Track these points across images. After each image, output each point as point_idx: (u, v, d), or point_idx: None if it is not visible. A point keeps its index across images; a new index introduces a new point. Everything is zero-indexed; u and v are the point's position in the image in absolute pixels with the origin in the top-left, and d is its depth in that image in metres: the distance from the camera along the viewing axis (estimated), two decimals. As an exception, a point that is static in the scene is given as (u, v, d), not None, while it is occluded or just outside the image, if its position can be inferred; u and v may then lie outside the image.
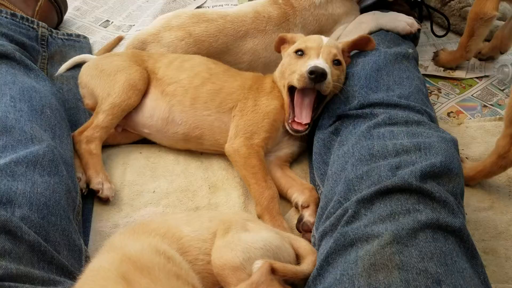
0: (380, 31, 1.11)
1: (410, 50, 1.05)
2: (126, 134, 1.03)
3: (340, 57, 0.95)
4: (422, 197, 0.69)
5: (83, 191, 0.91)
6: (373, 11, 1.14)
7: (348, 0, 1.13)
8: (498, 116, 1.11)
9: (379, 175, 0.72)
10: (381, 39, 1.08)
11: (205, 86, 0.98)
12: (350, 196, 0.73)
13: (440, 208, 0.69)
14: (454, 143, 0.80)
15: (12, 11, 1.14)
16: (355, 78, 0.97)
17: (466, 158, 1.00)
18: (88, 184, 0.91)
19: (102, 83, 0.99)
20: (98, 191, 0.90)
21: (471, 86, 1.22)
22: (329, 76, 0.89)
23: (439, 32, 1.31)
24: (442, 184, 0.71)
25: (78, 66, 1.14)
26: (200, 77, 0.99)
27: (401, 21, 1.11)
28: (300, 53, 0.94)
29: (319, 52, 0.92)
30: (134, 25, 1.40)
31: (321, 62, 0.89)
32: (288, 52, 0.98)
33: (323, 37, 0.97)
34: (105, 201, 0.91)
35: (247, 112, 0.96)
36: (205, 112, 0.97)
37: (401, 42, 1.10)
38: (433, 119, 0.91)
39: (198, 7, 1.50)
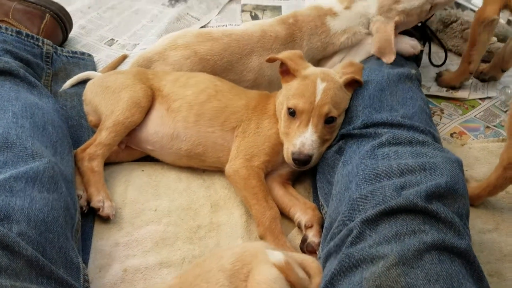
0: None
1: (413, 71, 1.06)
2: (129, 151, 1.03)
3: (335, 112, 0.91)
4: (427, 218, 0.68)
5: (84, 209, 0.90)
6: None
7: (365, 30, 1.13)
8: (501, 137, 1.11)
9: (384, 195, 0.72)
10: (385, 60, 1.08)
11: (210, 102, 0.98)
12: (355, 216, 0.73)
13: (446, 229, 0.68)
14: (459, 163, 0.79)
15: (17, 29, 1.15)
16: (358, 98, 0.97)
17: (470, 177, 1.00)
18: (89, 202, 0.91)
19: (106, 100, 0.99)
20: (98, 209, 0.89)
21: (474, 107, 1.22)
22: (314, 157, 0.90)
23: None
24: (447, 204, 0.70)
25: (82, 83, 1.14)
26: (206, 93, 0.99)
27: (404, 43, 1.12)
28: (291, 112, 0.91)
29: (309, 116, 0.90)
30: (138, 44, 1.42)
31: (308, 138, 0.89)
32: (281, 100, 0.96)
33: (319, 86, 0.92)
34: (106, 219, 0.90)
35: (249, 134, 0.96)
36: (209, 129, 0.97)
37: (404, 63, 1.10)
38: (437, 139, 0.91)
39: (202, 27, 1.53)
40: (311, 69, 0.97)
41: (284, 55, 0.98)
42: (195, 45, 1.08)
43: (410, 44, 1.12)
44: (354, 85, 0.99)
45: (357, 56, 1.13)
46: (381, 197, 0.72)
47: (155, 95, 1.01)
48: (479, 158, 1.06)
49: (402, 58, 1.11)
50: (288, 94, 0.94)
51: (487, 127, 1.16)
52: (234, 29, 1.13)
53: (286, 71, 0.98)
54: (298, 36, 1.12)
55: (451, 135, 1.14)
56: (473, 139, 1.13)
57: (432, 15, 1.24)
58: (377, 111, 0.93)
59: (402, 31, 1.17)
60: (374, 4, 1.10)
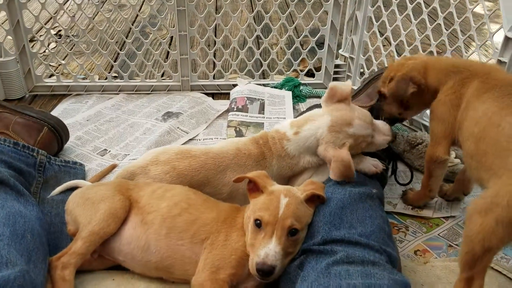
0: None
1: (374, 190, 1.13)
2: (102, 260, 1.07)
3: (297, 225, 0.98)
4: None
5: (51, 317, 0.92)
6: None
7: (318, 157, 1.20)
8: (463, 257, 1.15)
9: (331, 315, 0.75)
10: (349, 179, 1.17)
11: (182, 216, 1.05)
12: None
13: None
14: (405, 286, 0.83)
15: (15, 141, 1.27)
16: (320, 214, 1.04)
17: (431, 298, 1.02)
18: (56, 310, 0.93)
19: (85, 211, 1.06)
20: (63, 318, 0.91)
21: (438, 225, 1.28)
22: (277, 269, 0.95)
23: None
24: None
25: (70, 190, 1.22)
26: (179, 206, 1.06)
27: (367, 163, 1.21)
28: (258, 222, 0.98)
29: (273, 228, 0.96)
30: (129, 154, 1.53)
31: (272, 249, 0.94)
32: (249, 214, 1.02)
33: (282, 201, 0.99)
34: (71, 329, 0.92)
35: (217, 247, 1.01)
36: (179, 242, 1.02)
37: (368, 182, 1.18)
38: (393, 259, 0.95)
39: (190, 140, 1.65)
40: (276, 186, 1.06)
41: (252, 174, 1.07)
42: (175, 161, 1.18)
43: (372, 164, 1.21)
44: (316, 201, 1.07)
45: (324, 175, 1.21)
46: (329, 316, 0.75)
47: (132, 205, 1.08)
48: (441, 277, 1.09)
49: (366, 177, 1.19)
50: (255, 208, 1.02)
51: (450, 245, 1.20)
52: (211, 148, 1.24)
53: (253, 188, 1.06)
54: (268, 155, 1.21)
55: (415, 252, 1.18)
56: (436, 258, 1.16)
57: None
58: (336, 228, 0.99)
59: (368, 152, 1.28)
60: (326, 123, 1.18)
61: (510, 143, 0.90)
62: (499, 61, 1.39)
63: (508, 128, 0.92)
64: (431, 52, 1.62)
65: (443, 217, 1.30)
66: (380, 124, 1.26)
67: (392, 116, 1.32)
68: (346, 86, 1.24)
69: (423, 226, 1.27)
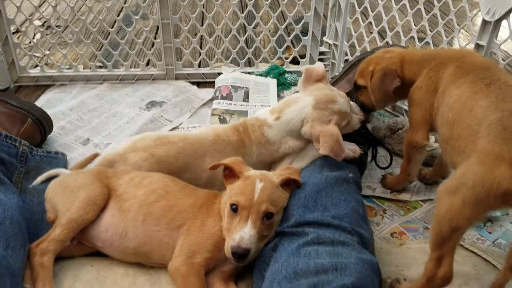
0: (328, 156, 1.22)
1: (351, 175, 1.15)
2: (81, 246, 1.08)
3: (272, 208, 1.00)
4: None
5: (29, 302, 0.94)
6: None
7: (300, 141, 1.21)
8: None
9: (298, 294, 0.77)
10: (327, 163, 1.18)
11: (159, 202, 1.06)
12: (272, 313, 0.77)
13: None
14: (371, 264, 0.85)
15: (-3, 131, 1.28)
16: (295, 198, 1.06)
17: (404, 279, 1.04)
18: (34, 295, 0.95)
19: (64, 199, 1.07)
20: (41, 303, 0.93)
21: (415, 208, 1.30)
22: (252, 251, 0.96)
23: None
24: (353, 304, 0.75)
25: (51, 179, 1.22)
26: (156, 193, 1.07)
27: (345, 148, 1.22)
28: (234, 207, 1.00)
29: (249, 213, 0.98)
30: (111, 143, 1.53)
31: (247, 233, 0.96)
32: (225, 199, 1.04)
33: (257, 185, 1.00)
34: (48, 314, 0.93)
35: (193, 232, 1.02)
36: (156, 228, 1.04)
37: (345, 166, 1.19)
38: (364, 240, 0.97)
39: (173, 128, 1.66)
40: (252, 172, 1.07)
41: (228, 160, 1.08)
42: (153, 148, 1.18)
43: (349, 149, 1.22)
44: (292, 185, 1.08)
45: (304, 160, 1.23)
46: (296, 296, 0.77)
47: (110, 193, 1.09)
48: (416, 259, 1.11)
49: (343, 162, 1.21)
50: (231, 193, 1.03)
51: (426, 228, 1.22)
52: (190, 134, 1.25)
53: (229, 175, 1.08)
54: (247, 142, 1.22)
55: (391, 234, 1.20)
56: (412, 239, 1.18)
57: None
58: (310, 211, 1.01)
59: (349, 137, 1.29)
60: (310, 102, 1.19)
61: (480, 126, 0.91)
62: (477, 45, 1.40)
63: (480, 112, 0.93)
64: (412, 38, 1.62)
65: (421, 200, 1.32)
66: (353, 104, 1.29)
67: (367, 106, 1.33)
68: (319, 66, 1.27)
69: (400, 209, 1.29)
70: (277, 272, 0.85)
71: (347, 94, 1.29)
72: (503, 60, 1.36)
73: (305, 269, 0.82)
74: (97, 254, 1.09)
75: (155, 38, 1.93)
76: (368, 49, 1.80)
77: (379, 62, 1.25)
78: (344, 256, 0.84)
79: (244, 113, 1.74)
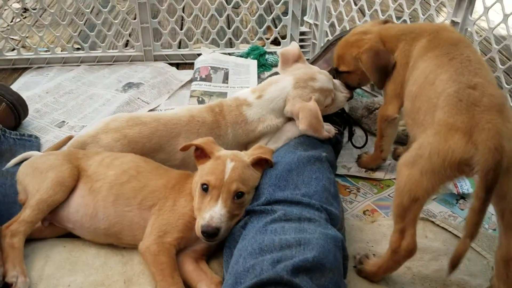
0: (303, 136, 1.22)
1: (324, 154, 1.15)
2: (53, 228, 1.08)
3: (243, 188, 1.00)
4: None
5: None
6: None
7: (279, 118, 1.22)
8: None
9: (262, 268, 0.78)
10: (301, 143, 1.18)
11: (130, 183, 1.06)
12: (237, 288, 0.77)
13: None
14: (335, 239, 0.86)
15: (-32, 114, 1.26)
16: (267, 177, 1.06)
17: (374, 255, 1.05)
18: (4, 277, 0.95)
19: (34, 180, 1.06)
20: (11, 285, 0.93)
21: (389, 186, 1.31)
22: (222, 230, 0.96)
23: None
24: (314, 278, 0.76)
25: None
26: (127, 174, 1.07)
27: None
28: (205, 187, 0.99)
29: (219, 192, 0.98)
30: (86, 125, 1.52)
31: (217, 212, 0.96)
32: (197, 179, 1.03)
33: (228, 165, 1.00)
34: (19, 295, 0.93)
35: (164, 212, 1.02)
36: (126, 208, 1.04)
37: (319, 146, 1.20)
38: (333, 216, 0.97)
39: (151, 110, 1.65)
40: (223, 151, 1.07)
41: (199, 141, 1.08)
42: (125, 128, 1.18)
43: (325, 129, 1.23)
44: (264, 165, 1.08)
45: (280, 141, 1.23)
46: (259, 270, 0.77)
47: (81, 174, 1.09)
48: (386, 235, 1.11)
49: (318, 142, 1.21)
50: (202, 173, 1.03)
51: (399, 205, 1.23)
52: (163, 114, 1.24)
53: (201, 155, 1.07)
54: (223, 123, 1.22)
55: (364, 212, 1.21)
56: (384, 217, 1.20)
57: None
58: (281, 190, 1.01)
59: (325, 117, 1.29)
60: (290, 82, 1.21)
61: (439, 99, 0.91)
62: (453, 22, 1.40)
63: (439, 86, 0.94)
64: (389, 16, 1.61)
65: (394, 178, 1.33)
66: (337, 82, 1.29)
67: (350, 85, 1.32)
68: (293, 46, 1.28)
69: (374, 188, 1.30)
70: (244, 249, 0.86)
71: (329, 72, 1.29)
72: (478, 36, 1.36)
73: (270, 244, 0.83)
74: (70, 235, 1.09)
75: (134, 19, 1.89)
76: (348, 29, 1.79)
77: (360, 45, 1.23)
78: (309, 231, 0.85)
79: (224, 95, 1.73)
